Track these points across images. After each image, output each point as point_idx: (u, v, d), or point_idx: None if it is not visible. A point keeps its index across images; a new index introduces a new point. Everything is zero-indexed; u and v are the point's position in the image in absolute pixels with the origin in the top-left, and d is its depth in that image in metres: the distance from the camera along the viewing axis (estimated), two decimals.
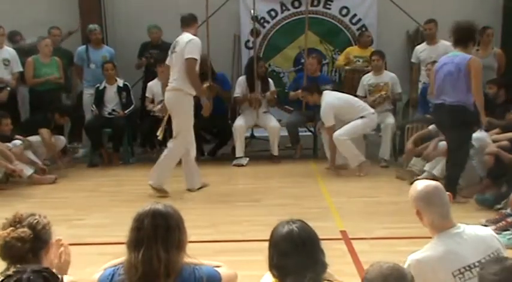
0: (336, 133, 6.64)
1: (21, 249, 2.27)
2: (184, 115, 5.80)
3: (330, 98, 6.76)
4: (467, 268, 2.44)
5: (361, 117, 6.68)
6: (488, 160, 5.57)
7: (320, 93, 6.84)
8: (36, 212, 2.46)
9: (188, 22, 5.97)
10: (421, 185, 2.64)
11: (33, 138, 6.88)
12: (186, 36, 5.81)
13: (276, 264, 2.22)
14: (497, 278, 1.97)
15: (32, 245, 2.29)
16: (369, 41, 8.03)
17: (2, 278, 1.90)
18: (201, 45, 5.84)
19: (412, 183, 2.78)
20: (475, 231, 2.59)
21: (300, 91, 7.50)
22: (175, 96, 5.80)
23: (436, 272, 2.45)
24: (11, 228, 2.34)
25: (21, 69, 7.40)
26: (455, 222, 2.61)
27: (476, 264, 2.44)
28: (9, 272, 1.90)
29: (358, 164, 6.71)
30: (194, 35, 5.88)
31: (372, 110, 6.81)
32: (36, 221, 2.38)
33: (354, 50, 8.07)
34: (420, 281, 2.41)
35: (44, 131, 7.00)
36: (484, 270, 2.05)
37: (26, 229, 2.32)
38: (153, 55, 7.98)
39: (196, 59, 5.71)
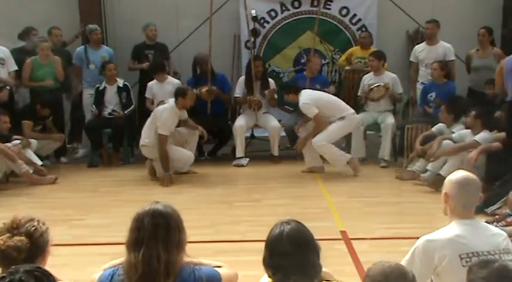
0: (315, 139, 6.56)
1: (16, 259, 2.22)
2: None
3: (308, 93, 6.65)
4: (476, 254, 2.49)
5: (341, 117, 6.55)
6: (469, 160, 5.56)
7: (297, 92, 6.67)
8: (35, 217, 2.41)
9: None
10: (464, 173, 2.73)
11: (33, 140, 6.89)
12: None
13: (268, 264, 2.25)
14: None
15: (28, 254, 2.24)
16: (368, 42, 8.01)
17: None
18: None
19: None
20: (490, 228, 2.69)
21: None
22: None
23: (444, 253, 2.50)
24: (8, 234, 2.29)
25: (15, 68, 7.34)
26: (475, 217, 2.69)
27: (485, 253, 2.49)
28: (3, 274, 1.89)
29: (346, 163, 6.65)
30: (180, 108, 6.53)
31: (352, 111, 6.67)
32: (34, 228, 2.33)
33: (356, 51, 8.05)
34: (427, 262, 2.52)
35: (26, 124, 7.00)
36: (473, 275, 2.04)
37: (22, 238, 2.28)
38: (149, 57, 7.96)
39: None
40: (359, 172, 6.67)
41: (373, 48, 7.95)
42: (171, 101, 6.58)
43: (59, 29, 7.95)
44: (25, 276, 1.84)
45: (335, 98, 6.79)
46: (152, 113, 6.64)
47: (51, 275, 1.94)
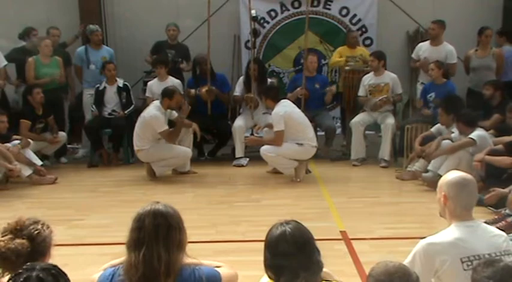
0: (265, 148, 6.48)
1: (14, 262, 2.21)
2: None
3: (286, 105, 6.48)
4: (477, 257, 2.47)
5: (300, 144, 6.39)
6: (476, 166, 5.58)
7: (276, 99, 6.50)
8: (40, 220, 2.40)
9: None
10: (459, 173, 2.71)
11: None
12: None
13: (270, 265, 2.23)
14: (491, 281, 1.96)
15: (26, 258, 2.21)
16: (354, 42, 7.95)
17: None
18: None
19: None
20: (490, 229, 2.66)
21: (298, 89, 7.46)
22: None
23: (445, 257, 2.49)
24: (10, 236, 2.28)
25: (5, 63, 7.33)
26: (474, 218, 2.67)
27: (487, 256, 2.47)
28: (19, 270, 1.89)
29: (292, 171, 6.55)
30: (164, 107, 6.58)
31: (314, 144, 6.51)
32: (37, 232, 2.31)
33: (344, 51, 7.95)
34: (428, 265, 2.51)
35: (24, 123, 6.97)
36: (477, 274, 2.03)
37: (24, 241, 2.26)
38: (170, 56, 7.94)
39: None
40: (299, 178, 6.52)
41: (359, 48, 7.94)
42: (156, 102, 6.68)
43: (58, 29, 7.93)
44: (43, 273, 1.85)
45: (308, 123, 6.58)
46: (139, 118, 6.65)
47: (66, 274, 1.95)
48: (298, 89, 7.49)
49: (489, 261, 2.08)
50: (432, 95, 7.05)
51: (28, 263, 1.93)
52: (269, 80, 7.72)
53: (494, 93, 6.65)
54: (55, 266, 1.95)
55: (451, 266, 2.48)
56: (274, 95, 6.61)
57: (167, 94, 6.61)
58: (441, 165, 5.91)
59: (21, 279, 1.85)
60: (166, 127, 6.52)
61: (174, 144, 6.63)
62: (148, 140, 6.55)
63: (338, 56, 7.95)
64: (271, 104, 6.54)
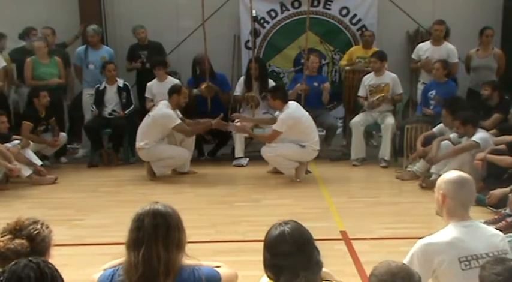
0: (266, 149, 6.49)
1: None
2: None
3: (295, 108, 6.44)
4: (475, 257, 2.48)
5: (302, 145, 6.38)
6: (477, 165, 5.58)
7: (285, 101, 6.45)
8: (39, 219, 2.40)
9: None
10: (458, 172, 2.73)
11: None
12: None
13: (269, 265, 2.23)
14: (500, 278, 1.96)
15: (26, 257, 2.19)
16: (370, 41, 7.96)
17: None
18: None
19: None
20: (488, 229, 2.67)
21: (298, 85, 7.46)
22: None
23: (443, 256, 2.50)
24: (9, 236, 2.28)
25: (4, 64, 7.34)
26: (472, 218, 2.68)
27: (484, 255, 2.48)
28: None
29: (292, 171, 6.55)
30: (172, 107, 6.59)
31: (317, 148, 6.50)
32: (36, 231, 2.31)
33: (357, 51, 8.00)
34: (426, 265, 2.52)
35: (25, 125, 6.97)
36: (486, 271, 2.04)
37: (23, 241, 2.26)
38: (143, 57, 7.97)
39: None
40: (299, 179, 6.52)
41: (374, 48, 7.93)
42: (164, 101, 6.66)
43: (50, 28, 7.86)
44: (30, 263, 1.87)
45: (314, 127, 6.58)
46: (147, 117, 6.64)
47: (53, 265, 1.94)
48: (298, 84, 7.49)
49: (499, 259, 2.11)
50: (433, 92, 7.05)
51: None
52: (270, 82, 7.70)
53: (492, 93, 6.65)
54: (42, 259, 1.95)
55: (449, 265, 2.48)
56: (283, 95, 6.54)
57: (175, 90, 6.63)
58: (444, 167, 5.90)
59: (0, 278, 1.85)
60: (180, 121, 6.51)
61: (190, 137, 6.74)
62: (153, 139, 6.54)
63: (347, 57, 7.99)
64: (280, 105, 6.45)
